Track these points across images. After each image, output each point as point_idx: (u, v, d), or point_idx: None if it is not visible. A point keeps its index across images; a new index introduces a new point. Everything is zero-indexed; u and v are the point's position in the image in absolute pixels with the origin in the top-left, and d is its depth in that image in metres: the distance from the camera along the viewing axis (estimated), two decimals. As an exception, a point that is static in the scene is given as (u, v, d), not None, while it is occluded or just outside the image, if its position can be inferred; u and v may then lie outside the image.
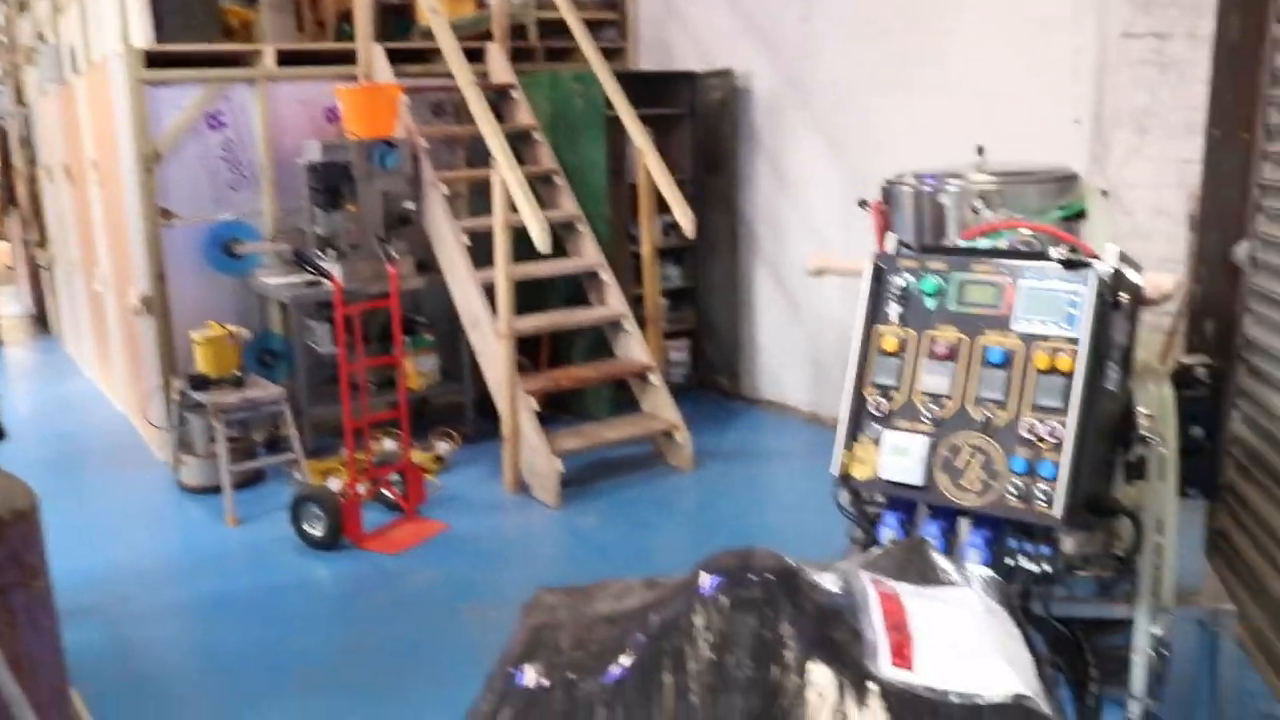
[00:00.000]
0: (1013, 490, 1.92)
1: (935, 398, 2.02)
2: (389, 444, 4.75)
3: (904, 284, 2.07)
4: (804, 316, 5.64)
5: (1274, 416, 2.94)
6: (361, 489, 4.27)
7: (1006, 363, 1.96)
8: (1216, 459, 2.23)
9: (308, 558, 4.15)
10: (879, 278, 2.11)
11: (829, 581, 1.25)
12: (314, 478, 4.69)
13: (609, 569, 3.99)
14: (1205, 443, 2.16)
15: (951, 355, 2.01)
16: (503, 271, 4.59)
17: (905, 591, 1.26)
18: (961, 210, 3.00)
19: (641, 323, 5.21)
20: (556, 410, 5.43)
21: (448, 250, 5.04)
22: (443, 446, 5.11)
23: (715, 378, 6.15)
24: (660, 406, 5.06)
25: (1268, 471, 2.93)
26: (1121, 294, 1.92)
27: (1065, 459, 1.87)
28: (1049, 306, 1.94)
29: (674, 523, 4.57)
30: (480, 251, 4.91)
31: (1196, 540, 2.29)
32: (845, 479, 2.10)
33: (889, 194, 3.13)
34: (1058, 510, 1.86)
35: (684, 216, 4.80)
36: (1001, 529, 1.94)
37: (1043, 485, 1.89)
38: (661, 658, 1.12)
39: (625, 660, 1.16)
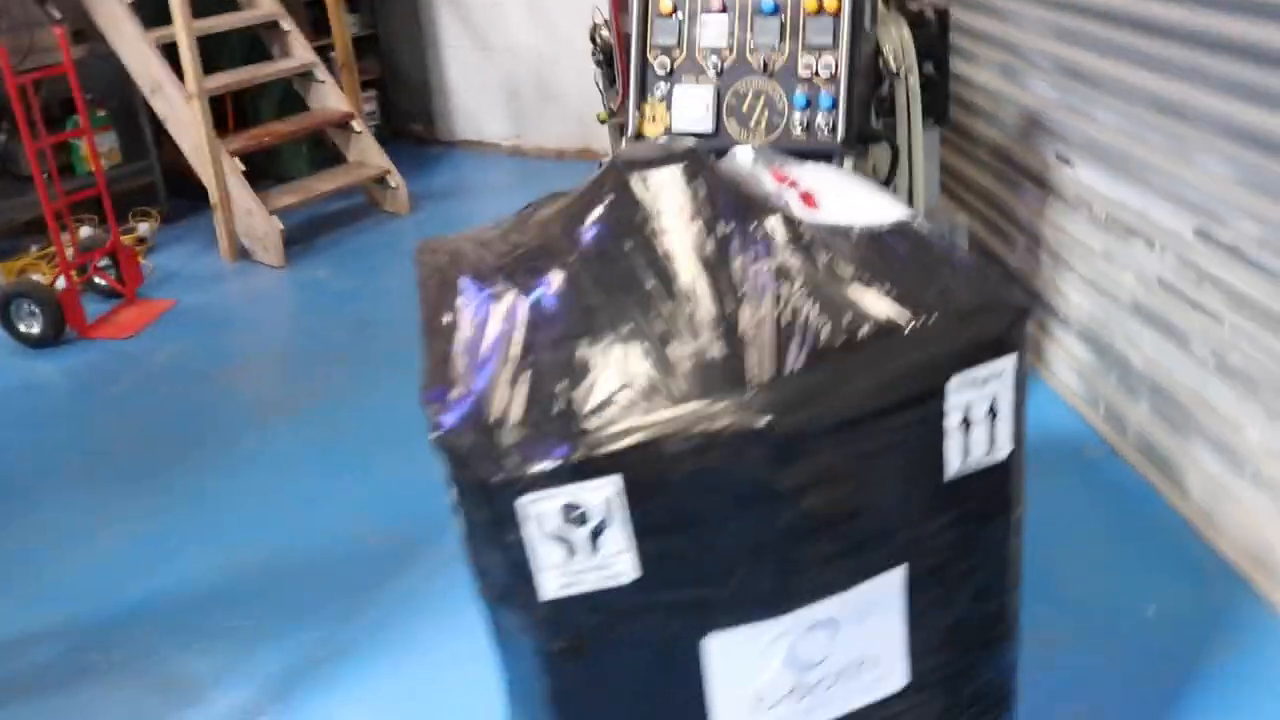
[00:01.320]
0: (798, 124, 2.16)
1: (715, 50, 2.19)
2: (86, 230, 4.40)
3: (674, -53, 2.17)
4: (494, 51, 5.61)
5: (977, 37, 3.33)
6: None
7: (777, 10, 2.15)
8: (946, 89, 2.57)
9: (32, 358, 3.86)
10: (648, -56, 2.19)
11: (726, 163, 1.42)
12: (6, 278, 4.29)
13: (356, 313, 4.01)
14: (936, 76, 2.48)
15: (725, 8, 2.18)
16: (182, 24, 4.24)
17: (785, 163, 1.46)
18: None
19: (333, 71, 5.00)
20: (254, 177, 5.18)
21: (108, 10, 4.56)
22: (143, 228, 4.79)
23: (409, 125, 6.04)
24: (368, 153, 4.97)
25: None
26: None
27: (841, 88, 2.12)
28: (811, -47, 2.12)
29: (407, 262, 4.59)
30: (144, 12, 4.49)
31: (936, 163, 2.67)
32: (639, 138, 2.26)
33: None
34: (840, 135, 2.12)
35: (366, -52, 4.57)
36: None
37: (824, 116, 2.14)
38: (618, 229, 1.25)
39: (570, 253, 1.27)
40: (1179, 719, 2.00)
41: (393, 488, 2.85)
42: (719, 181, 1.30)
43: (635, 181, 1.28)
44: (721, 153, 2.19)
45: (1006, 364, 1.20)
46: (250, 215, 4.48)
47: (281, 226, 4.46)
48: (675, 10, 2.19)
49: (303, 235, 4.75)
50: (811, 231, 1.26)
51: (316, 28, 5.16)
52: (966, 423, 1.19)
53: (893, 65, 2.39)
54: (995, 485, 1.25)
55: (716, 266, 1.20)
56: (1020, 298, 1.21)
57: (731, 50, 2.17)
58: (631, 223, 1.25)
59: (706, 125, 2.19)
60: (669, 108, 2.23)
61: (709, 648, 1.16)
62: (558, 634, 1.11)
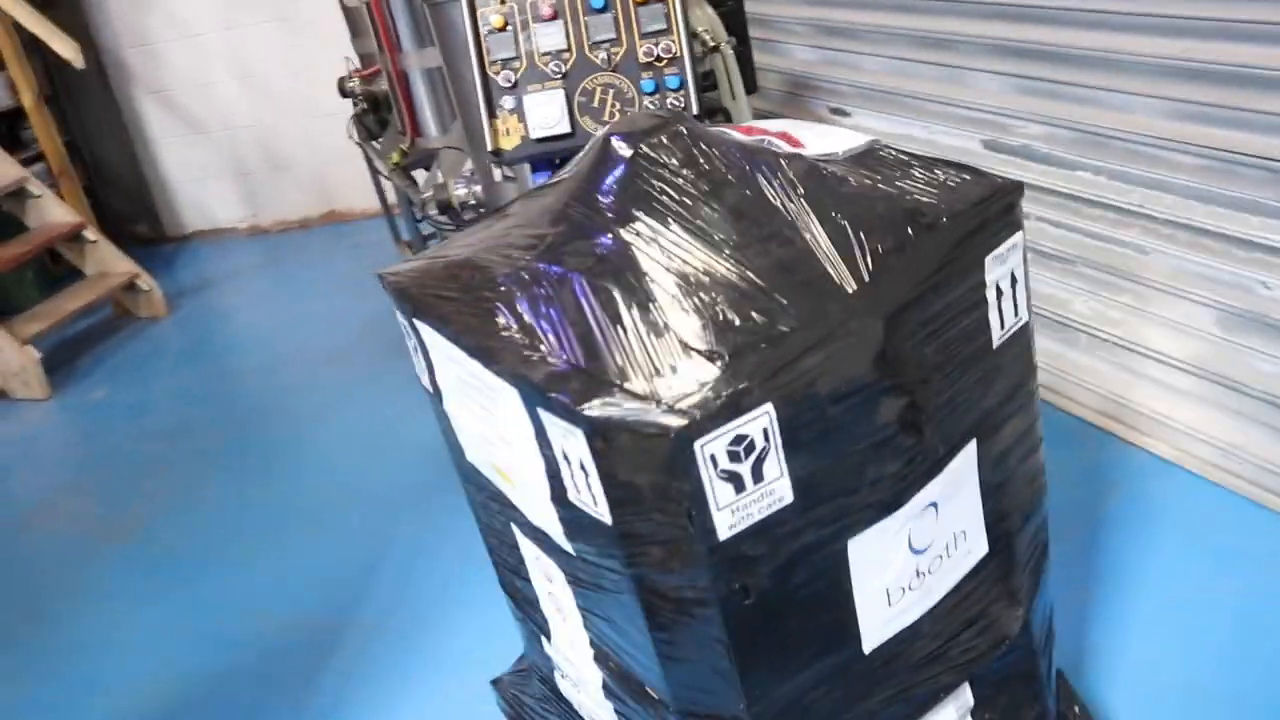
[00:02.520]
0: (651, 107, 2.26)
1: (555, 54, 2.25)
2: None
3: (493, -35, 2.21)
4: (210, 133, 5.38)
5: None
6: None
7: (607, 6, 2.23)
8: (751, 60, 2.75)
9: None
10: (466, -34, 2.22)
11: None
12: None
13: (152, 424, 3.75)
14: (740, 48, 2.65)
15: (556, 14, 2.24)
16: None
17: (755, 123, 1.54)
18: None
19: (50, 182, 4.64)
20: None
21: None
22: None
23: (131, 227, 5.67)
24: (108, 261, 4.64)
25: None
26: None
27: (686, 66, 2.23)
28: (628, -52, 2.22)
29: (192, 359, 4.34)
30: None
31: (750, 127, 2.83)
32: (497, 153, 2.28)
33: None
34: (693, 110, 2.23)
35: (65, 46, 4.28)
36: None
37: (673, 96, 2.24)
38: (647, 192, 1.29)
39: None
40: (1095, 562, 2.25)
41: (272, 577, 2.73)
42: (715, 137, 1.37)
43: (640, 147, 1.33)
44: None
45: (1018, 237, 1.35)
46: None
47: (38, 355, 4.10)
48: (507, 24, 2.23)
49: (60, 361, 4.39)
50: (814, 161, 1.36)
51: (14, 141, 4.77)
52: (999, 292, 1.33)
53: (709, 41, 2.54)
54: (1024, 347, 1.39)
55: (758, 204, 1.27)
56: (1011, 180, 1.35)
57: (571, 51, 2.24)
58: (656, 184, 1.30)
59: (564, 126, 2.24)
60: (521, 118, 2.26)
61: (851, 552, 1.23)
62: (732, 574, 1.14)
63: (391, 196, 4.28)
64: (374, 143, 3.88)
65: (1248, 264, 2.21)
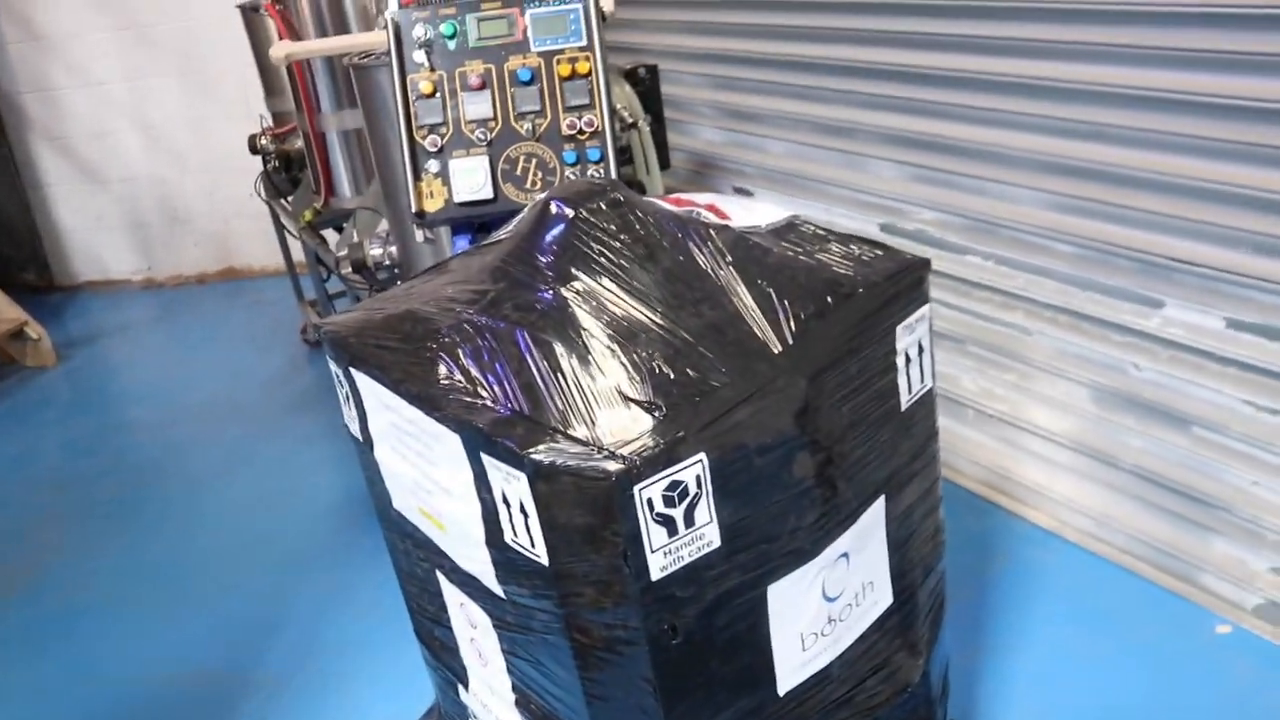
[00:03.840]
0: (571, 178, 2.35)
1: (481, 123, 2.34)
2: None
3: (423, 33, 2.31)
4: (108, 183, 5.29)
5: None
6: None
7: (534, 79, 2.33)
8: (664, 137, 2.87)
9: None
10: (397, 34, 2.31)
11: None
12: None
13: (43, 474, 3.65)
14: (655, 126, 2.77)
15: (484, 84, 2.33)
16: None
17: (682, 195, 1.64)
18: (359, -7, 3.23)
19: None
20: None
21: None
22: None
23: (18, 274, 5.52)
24: (-5, 309, 4.52)
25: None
26: (604, 8, 2.38)
27: (607, 140, 2.34)
28: (556, 26, 2.33)
29: (82, 410, 4.22)
30: None
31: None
32: (421, 215, 2.35)
33: (277, -9, 3.22)
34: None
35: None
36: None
37: (594, 168, 2.35)
38: (583, 254, 1.37)
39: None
40: (983, 623, 2.38)
41: (169, 633, 2.70)
42: (649, 206, 1.47)
43: (579, 212, 1.41)
44: (508, 215, 2.32)
45: (926, 309, 1.47)
46: (-126, 398, 3.93)
47: (-83, 403, 3.96)
48: (436, 91, 2.31)
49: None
50: (740, 232, 1.46)
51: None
52: (908, 359, 1.44)
53: (627, 118, 2.66)
54: (928, 411, 1.51)
55: (690, 269, 1.37)
56: (921, 257, 1.48)
57: (497, 121, 2.32)
58: (594, 247, 1.38)
59: (487, 192, 2.32)
60: (445, 182, 2.33)
61: (770, 597, 1.31)
62: (662, 615, 1.21)
63: (297, 255, 4.29)
64: (283, 200, 3.90)
65: (1121, 347, 2.39)
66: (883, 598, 1.50)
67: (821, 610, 1.39)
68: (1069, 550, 2.59)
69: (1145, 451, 2.42)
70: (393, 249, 2.91)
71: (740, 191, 3.50)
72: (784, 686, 1.38)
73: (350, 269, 2.98)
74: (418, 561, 1.62)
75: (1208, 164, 2.10)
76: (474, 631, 1.53)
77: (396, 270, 2.92)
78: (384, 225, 3.05)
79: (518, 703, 1.50)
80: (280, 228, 4.16)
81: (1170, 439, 2.35)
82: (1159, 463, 2.39)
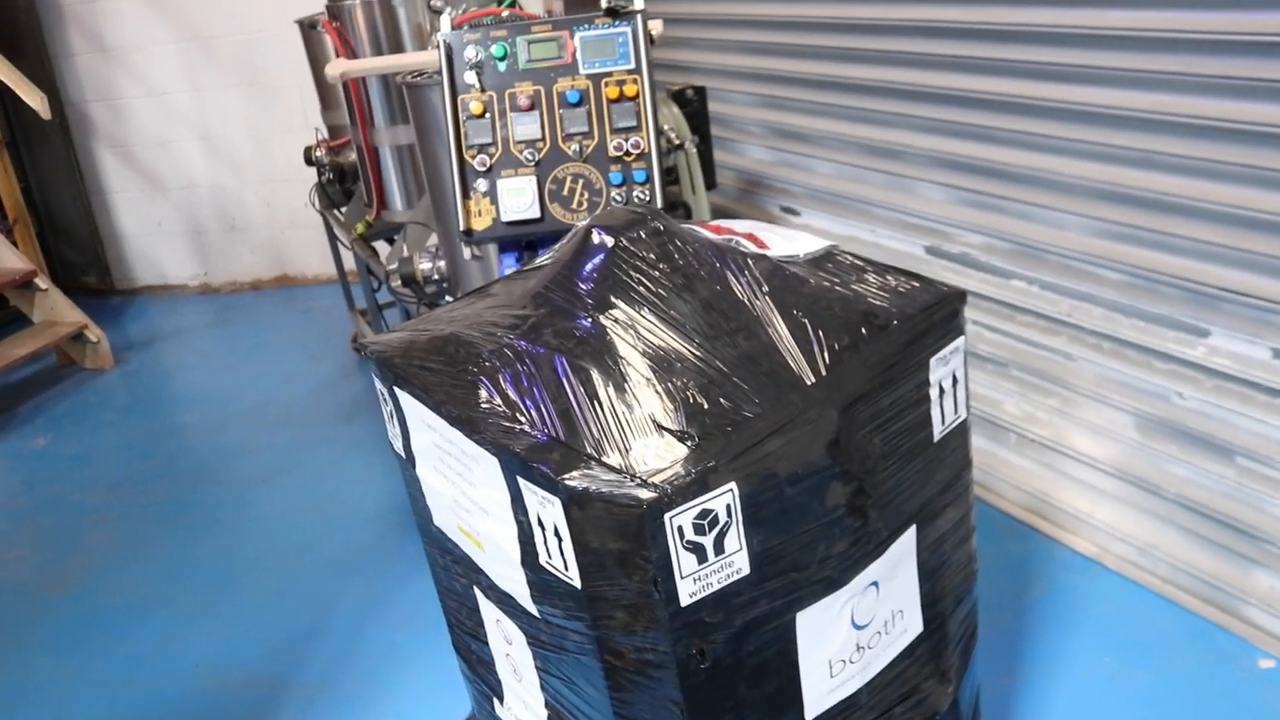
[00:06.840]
0: (617, 200, 2.38)
1: (530, 143, 2.38)
2: None
3: (475, 54, 2.35)
4: (169, 190, 5.42)
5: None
6: None
7: (582, 101, 2.37)
8: (711, 157, 2.90)
9: None
10: (449, 55, 2.36)
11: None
12: None
13: (97, 475, 3.74)
14: (701, 146, 2.80)
15: (533, 105, 2.37)
16: None
17: (723, 222, 1.67)
18: (414, 14, 3.30)
19: (4, 228, 4.65)
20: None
21: None
22: None
23: (80, 278, 5.67)
24: (57, 310, 4.64)
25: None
26: (652, 31, 2.42)
27: (653, 163, 2.37)
28: (605, 49, 2.37)
29: (138, 413, 4.33)
30: None
31: (708, 219, 2.97)
32: (469, 233, 2.39)
33: (336, 11, 3.30)
34: (657, 204, 2.36)
35: (33, 96, 4.33)
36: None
37: (640, 189, 2.38)
38: (623, 283, 1.40)
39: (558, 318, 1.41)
40: (1019, 650, 2.37)
41: (214, 635, 2.76)
42: (688, 235, 1.49)
43: (620, 240, 1.44)
44: (554, 235, 2.35)
45: (960, 341, 1.48)
46: (-59, 396, 4.06)
47: (-19, 401, 4.09)
48: (485, 111, 2.36)
49: (0, 407, 4.36)
50: (777, 262, 1.48)
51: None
52: (941, 391, 1.45)
53: (673, 139, 2.69)
54: (962, 442, 1.52)
55: (727, 299, 1.39)
56: (956, 288, 1.49)
57: (545, 141, 2.36)
58: (633, 275, 1.41)
59: (534, 212, 2.36)
60: (493, 201, 2.37)
61: (799, 624, 1.33)
62: (690, 639, 1.23)
63: (349, 265, 4.36)
64: (336, 211, 3.97)
65: (1165, 375, 2.37)
66: (913, 626, 1.52)
67: (850, 638, 1.40)
68: (1109, 578, 2.58)
69: (1189, 481, 2.40)
70: (441, 264, 2.96)
71: (787, 211, 3.51)
72: (812, 712, 1.39)
73: (400, 282, 3.04)
74: (456, 577, 1.65)
75: (1258, 193, 2.09)
76: (509, 648, 1.56)
77: (445, 285, 2.97)
78: (434, 240, 3.11)
79: (550, 719, 1.52)
80: (333, 238, 4.24)
81: (1214, 469, 2.33)
82: (1202, 492, 2.37)
